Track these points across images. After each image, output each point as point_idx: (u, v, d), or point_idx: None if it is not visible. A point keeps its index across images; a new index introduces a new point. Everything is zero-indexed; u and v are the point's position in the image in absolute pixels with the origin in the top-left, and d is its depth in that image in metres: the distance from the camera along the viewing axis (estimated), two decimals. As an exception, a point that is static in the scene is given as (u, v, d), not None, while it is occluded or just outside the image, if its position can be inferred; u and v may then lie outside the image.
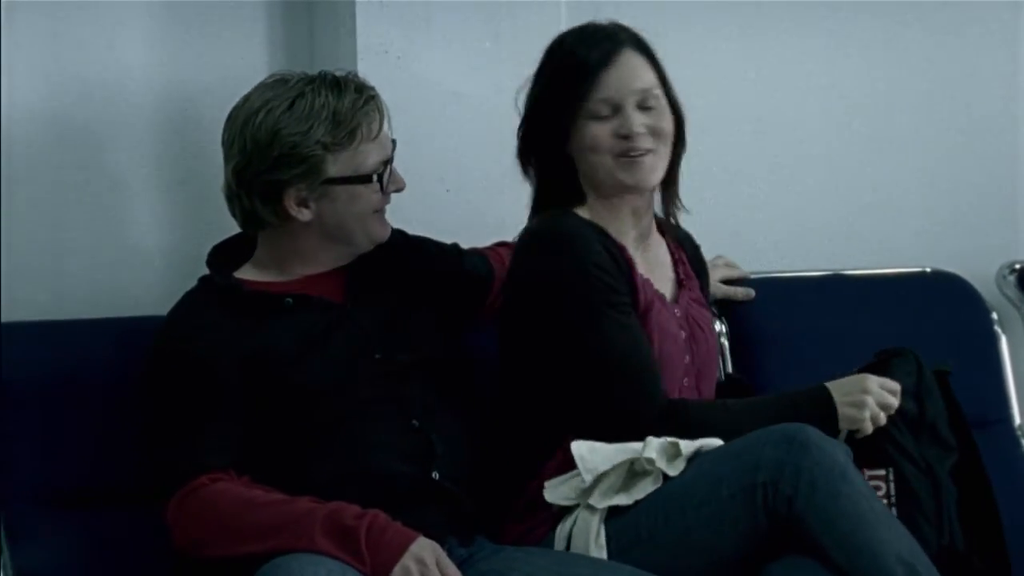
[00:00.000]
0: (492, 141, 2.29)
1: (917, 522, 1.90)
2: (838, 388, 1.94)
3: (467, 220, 2.26)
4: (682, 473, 1.85)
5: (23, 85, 2.11)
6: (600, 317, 1.92)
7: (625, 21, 2.01)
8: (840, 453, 1.81)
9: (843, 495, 1.77)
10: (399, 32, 2.23)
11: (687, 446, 1.86)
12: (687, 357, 2.02)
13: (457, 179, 2.28)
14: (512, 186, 2.30)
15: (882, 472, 1.92)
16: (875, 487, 1.90)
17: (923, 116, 2.56)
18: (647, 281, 1.98)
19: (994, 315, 2.45)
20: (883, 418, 1.93)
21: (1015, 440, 2.38)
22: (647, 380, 1.92)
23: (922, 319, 2.38)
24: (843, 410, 1.92)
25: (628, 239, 2.00)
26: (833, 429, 1.91)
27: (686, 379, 2.02)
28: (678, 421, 1.90)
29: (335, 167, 1.94)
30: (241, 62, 2.20)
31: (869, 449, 1.91)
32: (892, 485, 1.92)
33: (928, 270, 2.46)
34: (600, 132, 1.96)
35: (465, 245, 2.17)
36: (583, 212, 2.00)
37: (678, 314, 2.03)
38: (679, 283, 2.05)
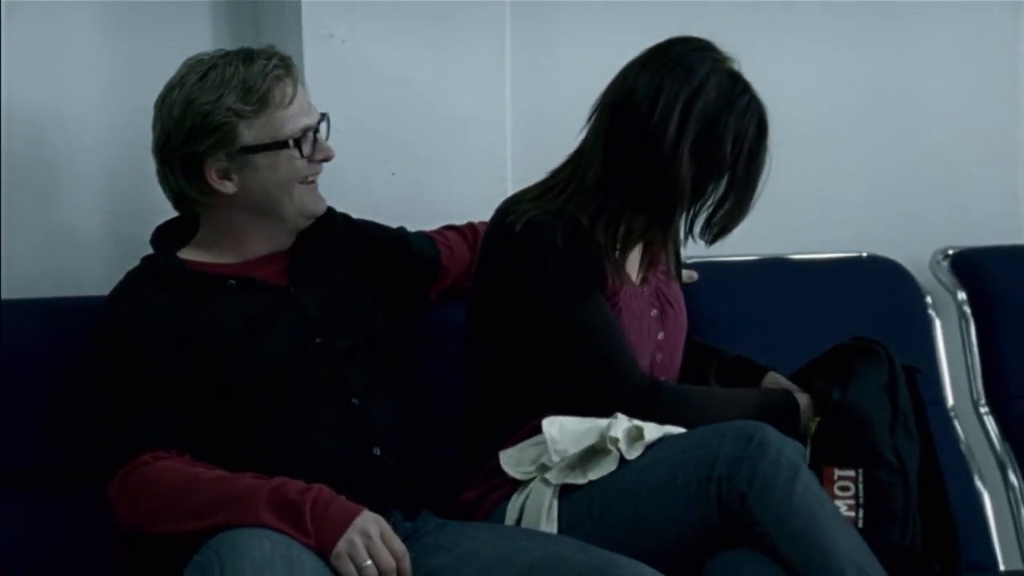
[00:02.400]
0: (438, 125, 2.30)
1: (884, 523, 1.92)
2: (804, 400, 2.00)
3: (413, 204, 2.27)
4: (640, 456, 1.87)
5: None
6: (574, 302, 1.94)
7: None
8: (796, 454, 1.84)
9: (796, 494, 1.80)
10: (344, 16, 2.23)
11: (651, 432, 1.88)
12: (660, 334, 2.04)
13: (402, 163, 2.29)
14: (458, 169, 2.32)
15: (851, 473, 1.93)
16: (844, 487, 1.92)
17: (860, 105, 2.60)
18: (616, 263, 2.00)
19: (928, 299, 2.49)
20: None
21: (949, 421, 2.42)
22: (623, 363, 1.94)
23: (859, 303, 2.42)
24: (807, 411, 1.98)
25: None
26: (796, 432, 1.95)
27: (659, 355, 2.04)
28: (655, 401, 1.93)
29: (250, 134, 1.94)
30: (187, 45, 2.20)
31: (840, 449, 1.94)
32: (861, 487, 1.93)
33: (864, 255, 2.50)
34: None
35: (411, 229, 2.18)
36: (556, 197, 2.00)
37: (646, 292, 2.05)
38: (649, 260, 2.07)
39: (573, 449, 1.89)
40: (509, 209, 2.00)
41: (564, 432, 1.90)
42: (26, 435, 2.01)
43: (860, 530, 1.88)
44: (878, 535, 1.89)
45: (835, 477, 1.93)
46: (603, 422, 1.90)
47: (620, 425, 1.89)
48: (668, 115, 1.92)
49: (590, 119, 1.99)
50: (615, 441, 1.88)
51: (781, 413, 1.97)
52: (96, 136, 2.21)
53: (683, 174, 1.92)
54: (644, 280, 2.06)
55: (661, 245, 2.02)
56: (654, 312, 2.05)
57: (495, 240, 2.01)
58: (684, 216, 1.99)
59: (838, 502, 1.91)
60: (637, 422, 1.89)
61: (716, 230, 2.00)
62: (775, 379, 2.09)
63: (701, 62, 1.94)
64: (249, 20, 2.28)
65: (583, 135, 2.00)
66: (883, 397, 1.98)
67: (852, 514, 1.92)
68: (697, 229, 2.00)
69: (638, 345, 2.00)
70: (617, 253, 1.98)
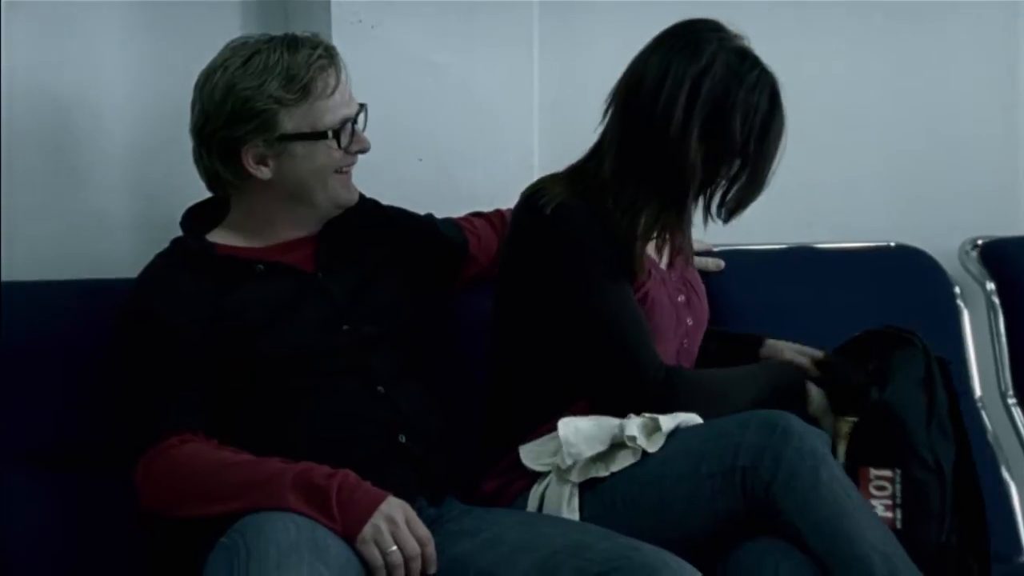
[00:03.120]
0: (465, 112, 2.30)
1: (922, 522, 1.91)
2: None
3: (440, 190, 2.27)
4: (662, 448, 1.87)
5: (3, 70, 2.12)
6: (599, 288, 1.93)
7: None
8: (819, 443, 1.83)
9: (822, 483, 1.80)
10: (373, 3, 2.23)
11: (666, 423, 1.88)
12: (689, 320, 2.04)
13: (430, 149, 2.29)
14: (485, 156, 2.32)
15: (888, 473, 1.92)
16: (880, 487, 1.91)
17: (889, 94, 2.59)
18: (645, 251, 1.99)
19: (957, 289, 2.48)
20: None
21: (976, 412, 2.41)
22: (644, 353, 1.93)
23: (887, 293, 2.41)
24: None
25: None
26: (803, 408, 1.96)
27: (685, 341, 2.04)
28: (672, 388, 1.93)
29: (290, 123, 1.94)
30: (216, 30, 2.21)
31: (877, 449, 1.93)
32: (899, 487, 1.92)
33: (893, 245, 2.49)
34: None
35: (438, 215, 2.18)
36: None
37: (674, 278, 2.05)
38: (671, 247, 2.06)
39: (588, 452, 1.88)
40: (539, 192, 1.99)
41: (579, 434, 1.90)
42: (55, 416, 2.02)
43: (898, 531, 1.87)
44: (917, 534, 1.88)
45: (871, 477, 1.92)
46: (617, 422, 1.90)
47: (634, 422, 1.88)
48: (675, 96, 1.91)
49: (607, 109, 1.99)
50: (632, 439, 1.88)
51: (785, 383, 1.98)
52: (125, 120, 2.22)
53: (693, 156, 1.91)
54: (671, 266, 2.05)
55: (679, 231, 2.00)
56: (681, 298, 2.05)
57: (523, 222, 2.00)
58: (700, 199, 1.97)
59: (874, 502, 1.90)
60: (650, 415, 1.89)
61: (731, 206, 1.98)
62: (773, 346, 2.09)
63: (708, 41, 1.93)
64: (278, 5, 2.29)
65: (603, 124, 2.00)
66: (919, 393, 1.97)
67: (890, 515, 1.91)
68: (713, 208, 1.98)
69: (666, 332, 2.00)
70: (640, 241, 1.97)
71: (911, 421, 1.95)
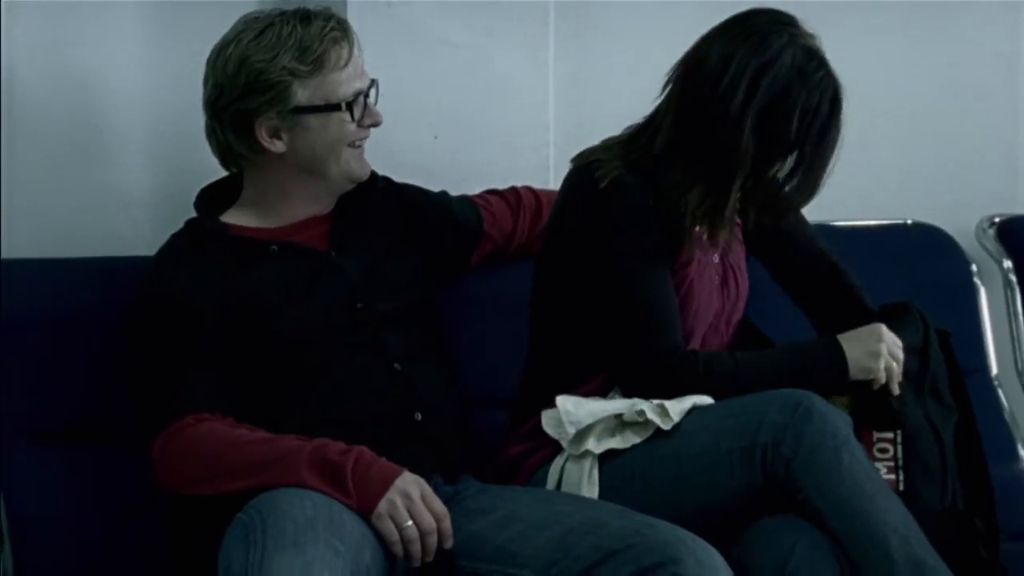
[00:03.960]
0: (481, 89, 2.30)
1: (923, 483, 1.92)
2: (852, 339, 1.94)
3: (455, 168, 2.27)
4: (682, 423, 1.87)
5: (23, 49, 2.13)
6: (641, 267, 1.93)
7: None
8: (842, 423, 1.83)
9: (843, 463, 1.80)
10: (390, -21, 2.25)
11: (676, 409, 1.88)
12: (720, 301, 2.03)
13: (445, 127, 2.29)
14: (500, 134, 2.32)
15: (890, 435, 1.93)
16: (883, 449, 1.92)
17: (907, 73, 2.57)
18: (690, 231, 1.97)
19: (974, 267, 2.47)
20: (895, 369, 1.94)
21: (992, 389, 2.41)
22: (663, 331, 1.92)
23: (903, 270, 2.40)
24: (859, 361, 1.93)
25: None
26: (843, 381, 1.93)
27: (714, 321, 2.03)
28: (688, 371, 1.92)
29: (304, 95, 1.95)
30: (233, 6, 2.21)
31: (877, 411, 1.93)
32: (900, 448, 1.93)
33: (910, 222, 2.48)
34: None
35: (453, 193, 2.18)
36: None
37: (715, 260, 2.03)
38: (713, 230, 2.02)
39: (588, 420, 1.88)
40: (594, 164, 1.97)
41: (579, 406, 1.90)
42: (75, 392, 2.04)
43: (901, 493, 1.88)
44: (919, 497, 1.88)
45: (874, 440, 1.92)
46: (625, 402, 1.90)
47: (644, 403, 1.88)
48: (736, 84, 1.89)
49: (665, 85, 1.97)
50: (642, 413, 1.88)
51: (827, 363, 1.93)
52: (143, 98, 2.23)
53: (744, 145, 1.89)
54: (714, 246, 2.03)
55: (717, 218, 1.98)
56: (716, 280, 2.04)
57: (576, 192, 1.99)
58: (748, 192, 1.94)
59: (878, 464, 1.91)
60: (658, 401, 1.88)
61: (781, 209, 1.96)
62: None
63: (778, 35, 1.90)
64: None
65: (659, 99, 1.98)
66: (912, 360, 1.97)
67: (892, 476, 1.92)
68: (763, 207, 1.97)
69: (703, 314, 1.99)
70: (688, 222, 1.95)
71: (903, 383, 1.95)
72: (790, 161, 1.93)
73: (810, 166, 1.93)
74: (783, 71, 1.89)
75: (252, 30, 1.96)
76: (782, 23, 1.93)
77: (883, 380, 1.94)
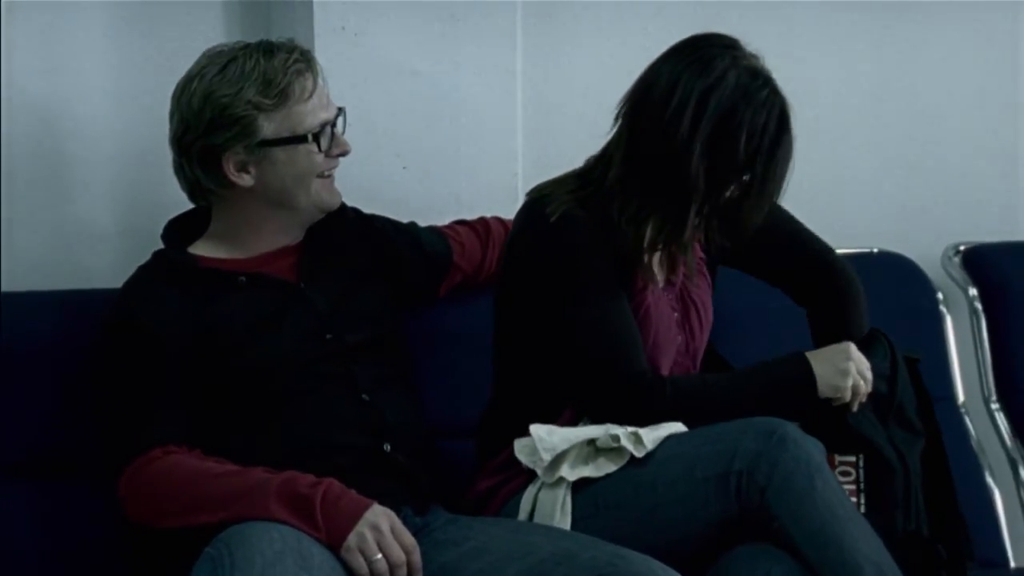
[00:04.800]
0: (449, 119, 2.30)
1: (886, 507, 1.92)
2: (821, 357, 1.95)
3: (424, 198, 2.27)
4: (657, 451, 1.87)
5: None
6: (596, 300, 1.93)
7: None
8: (816, 451, 1.84)
9: (816, 491, 1.80)
10: (357, 9, 2.23)
11: (649, 437, 1.88)
12: (680, 337, 2.03)
13: (414, 157, 2.29)
14: (469, 164, 2.32)
15: (852, 458, 1.94)
16: (845, 472, 1.93)
17: (872, 100, 2.60)
18: (643, 263, 1.98)
19: (939, 295, 2.49)
20: (863, 388, 1.95)
21: (959, 417, 2.42)
22: (629, 358, 1.93)
23: (870, 298, 2.39)
24: (828, 379, 1.93)
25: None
26: (812, 398, 1.93)
27: (679, 358, 2.03)
28: (657, 396, 1.92)
29: (270, 128, 1.95)
30: (200, 37, 2.20)
31: (840, 434, 1.93)
32: (862, 471, 1.94)
33: (875, 250, 2.50)
34: None
35: (422, 223, 2.18)
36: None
37: (669, 296, 2.04)
38: (670, 261, 2.04)
39: (562, 446, 1.88)
40: (546, 198, 1.98)
41: (552, 433, 1.90)
42: (37, 427, 2.02)
43: (862, 515, 1.88)
44: (880, 520, 1.88)
45: (836, 463, 1.93)
46: (597, 428, 1.89)
47: (618, 430, 1.88)
48: (683, 109, 1.90)
49: (617, 115, 1.98)
50: (616, 439, 1.88)
51: (796, 383, 1.94)
52: (109, 129, 2.22)
53: (695, 170, 1.90)
54: (668, 282, 2.04)
55: (677, 245, 1.99)
56: (676, 315, 2.05)
57: (527, 228, 2.00)
58: (704, 216, 1.95)
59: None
60: (632, 428, 1.89)
61: (739, 230, 1.97)
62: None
63: (721, 58, 1.92)
64: (262, 11, 2.29)
65: (612, 131, 1.98)
66: (880, 382, 1.97)
67: (854, 499, 1.92)
68: (721, 228, 1.97)
69: (663, 346, 2.00)
70: (644, 254, 1.96)
71: (868, 407, 1.96)
72: (744, 181, 1.94)
73: (763, 184, 1.94)
74: (727, 92, 1.90)
75: (216, 64, 1.96)
76: (725, 46, 1.94)
77: (848, 399, 1.94)
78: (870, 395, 1.97)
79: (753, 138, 1.91)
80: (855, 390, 1.94)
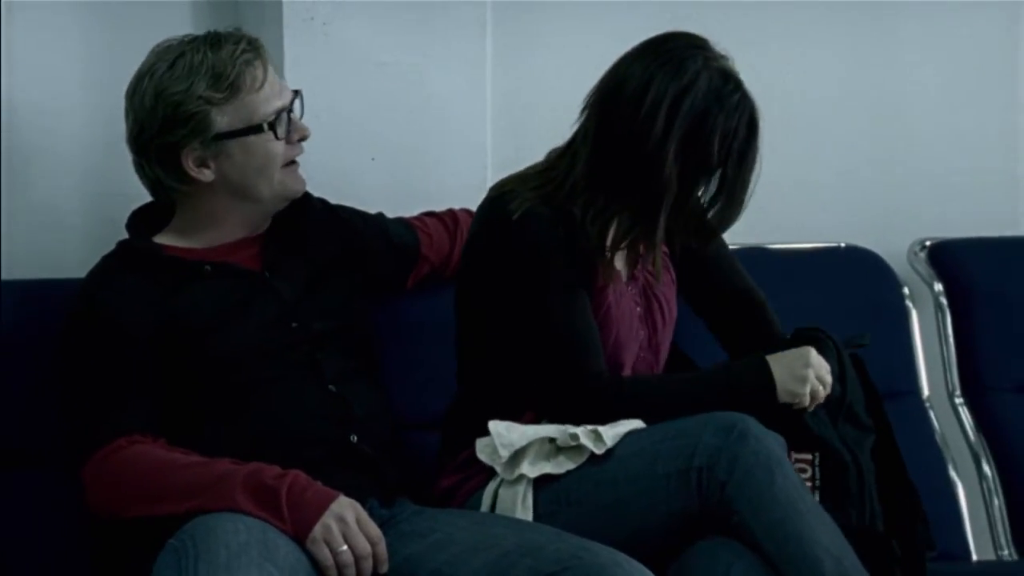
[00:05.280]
0: (418, 111, 2.30)
1: (841, 504, 1.93)
2: (780, 362, 1.96)
3: (392, 190, 2.26)
4: (618, 447, 1.87)
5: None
6: (557, 299, 1.93)
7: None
8: (776, 446, 1.84)
9: (776, 485, 1.81)
10: (325, 0, 2.23)
11: (609, 434, 1.88)
12: (643, 332, 2.03)
13: (382, 148, 2.28)
14: (437, 156, 2.32)
15: (808, 456, 1.95)
16: (801, 469, 1.93)
17: (840, 96, 2.60)
18: (606, 260, 1.97)
19: (905, 290, 2.50)
20: (822, 394, 1.96)
21: (924, 412, 2.43)
22: (587, 363, 1.93)
23: (836, 293, 2.43)
24: (785, 384, 1.94)
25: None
26: (771, 403, 1.94)
27: (642, 353, 2.03)
28: (614, 396, 1.93)
29: (223, 121, 1.94)
30: (165, 24, 2.19)
31: (796, 432, 1.94)
32: (818, 469, 1.95)
33: (842, 245, 2.51)
34: None
35: (390, 215, 2.17)
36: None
37: (632, 291, 2.04)
38: (635, 258, 2.04)
39: (520, 443, 1.88)
40: (507, 195, 1.97)
41: (511, 429, 1.90)
42: (2, 417, 2.00)
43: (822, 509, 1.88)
44: (836, 516, 1.89)
45: (793, 460, 1.93)
46: (556, 427, 1.90)
47: (578, 429, 1.88)
48: (655, 112, 1.90)
49: (583, 110, 1.98)
50: (575, 437, 1.88)
51: (755, 385, 1.94)
52: (75, 119, 2.21)
53: (668, 172, 1.90)
54: (632, 277, 2.04)
55: (647, 244, 1.99)
56: (638, 311, 2.05)
57: (488, 224, 1.99)
58: (674, 216, 1.95)
59: None
60: (592, 427, 1.89)
61: (708, 231, 1.98)
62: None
63: (693, 59, 1.92)
64: (230, 5, 2.27)
65: (576, 125, 1.98)
66: (835, 386, 1.98)
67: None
68: (688, 230, 1.97)
69: (625, 343, 2.00)
70: (608, 252, 1.96)
71: (821, 407, 1.97)
72: (713, 183, 1.95)
73: (732, 187, 1.95)
74: (700, 95, 1.90)
75: (164, 61, 1.95)
76: (696, 46, 1.94)
77: (807, 404, 1.95)
78: (827, 395, 1.98)
79: (725, 142, 1.91)
80: (813, 395, 1.95)
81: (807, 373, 1.94)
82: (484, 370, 2.00)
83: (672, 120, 1.89)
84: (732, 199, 1.95)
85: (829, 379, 1.97)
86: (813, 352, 1.97)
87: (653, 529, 1.86)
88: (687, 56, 1.92)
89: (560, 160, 2.00)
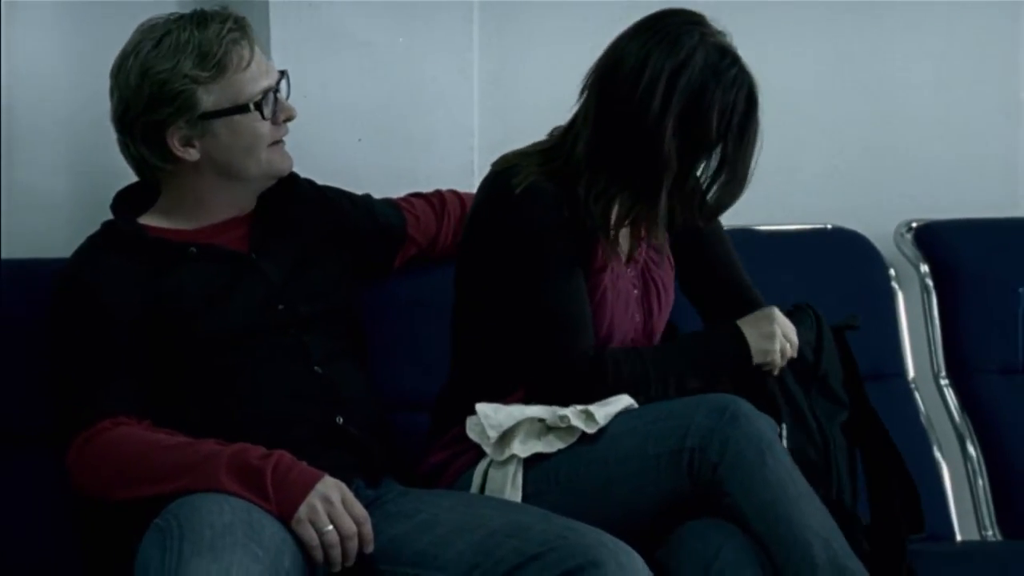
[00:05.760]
0: (405, 92, 2.29)
1: (808, 477, 1.91)
2: (748, 323, 1.98)
3: (379, 171, 2.26)
4: (609, 427, 1.87)
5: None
6: (554, 276, 1.93)
7: None
8: (767, 428, 1.85)
9: (767, 467, 1.81)
10: (313, -20, 2.23)
11: (600, 413, 1.88)
12: (638, 316, 2.03)
13: (369, 129, 2.28)
14: (424, 137, 2.32)
15: (778, 429, 1.94)
16: None
17: (827, 78, 2.60)
18: (608, 239, 1.97)
19: (892, 272, 2.50)
20: (789, 351, 1.97)
21: (909, 393, 2.44)
22: (574, 339, 1.93)
23: (823, 274, 2.43)
24: (756, 344, 1.96)
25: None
26: (747, 365, 1.95)
27: (636, 337, 2.03)
28: (595, 373, 1.92)
29: (209, 100, 1.93)
30: (154, 8, 2.18)
31: (763, 404, 1.94)
32: (786, 441, 1.95)
33: (829, 227, 2.51)
34: None
35: (377, 196, 2.17)
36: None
37: (631, 273, 2.04)
38: (637, 238, 2.04)
39: (508, 423, 1.89)
40: (511, 170, 1.96)
41: (499, 411, 1.90)
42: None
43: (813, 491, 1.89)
44: None
45: None
46: (545, 408, 1.90)
47: (568, 410, 1.89)
48: (653, 88, 1.89)
49: (583, 89, 1.97)
50: (565, 419, 1.88)
51: (731, 349, 1.96)
52: (60, 97, 2.20)
53: (667, 149, 1.90)
54: (631, 258, 2.04)
55: (649, 223, 1.99)
56: (635, 292, 2.05)
57: (490, 200, 1.98)
58: (675, 194, 1.95)
59: None
60: (583, 406, 1.89)
61: (711, 208, 1.97)
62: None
63: (689, 35, 1.91)
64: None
65: (576, 106, 1.97)
66: (805, 349, 1.99)
67: None
68: (690, 208, 1.97)
69: (618, 327, 2.00)
70: (611, 231, 1.96)
71: (789, 375, 1.98)
72: (714, 160, 1.94)
73: (733, 163, 1.94)
74: (697, 71, 1.90)
75: (150, 40, 1.94)
76: (692, 23, 1.94)
77: (779, 363, 1.96)
78: (793, 362, 1.99)
79: (724, 117, 1.91)
80: (782, 353, 1.97)
81: (774, 329, 1.96)
82: (478, 348, 2.00)
83: (669, 96, 1.89)
84: (734, 175, 1.95)
85: (795, 339, 1.98)
86: (776, 311, 1.99)
87: (643, 509, 1.86)
88: (683, 32, 1.92)
89: (563, 138, 1.99)
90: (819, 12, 2.59)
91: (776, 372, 1.98)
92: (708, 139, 1.92)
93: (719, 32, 1.95)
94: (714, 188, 1.96)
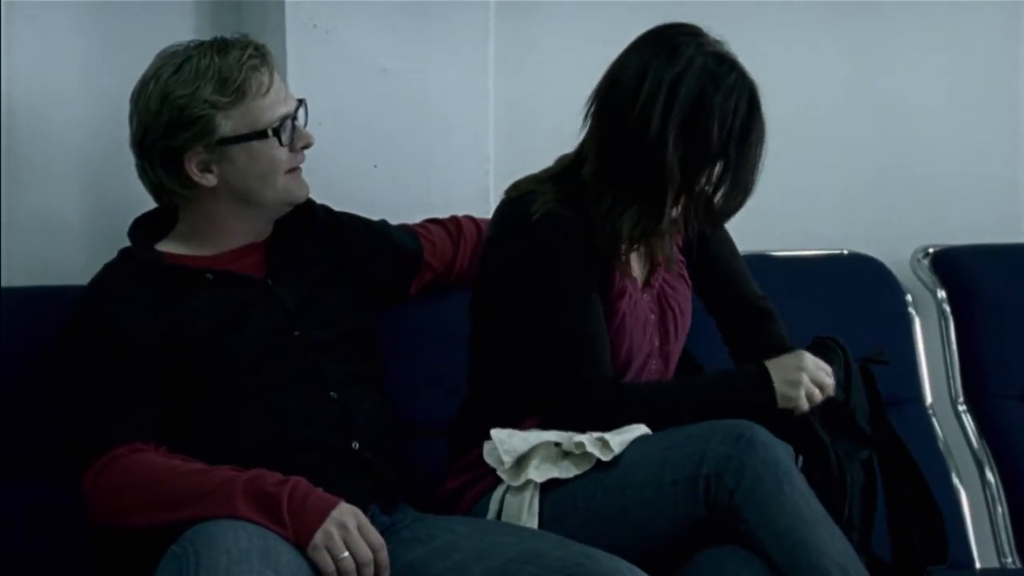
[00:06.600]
0: (421, 117, 2.30)
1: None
2: (776, 366, 1.96)
3: (395, 196, 2.26)
4: (625, 453, 1.86)
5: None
6: (571, 303, 1.93)
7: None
8: (784, 454, 1.84)
9: (784, 494, 1.80)
10: (328, 7, 2.23)
11: (615, 441, 1.88)
12: (656, 340, 2.03)
13: (385, 155, 2.28)
14: (440, 162, 2.32)
15: (792, 455, 1.92)
16: None
17: (843, 102, 2.60)
18: (622, 263, 1.97)
19: (908, 297, 2.50)
20: (818, 396, 1.95)
21: (927, 419, 2.43)
22: (591, 367, 1.93)
23: (839, 300, 2.43)
24: (782, 390, 1.94)
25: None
26: (771, 409, 1.94)
27: (653, 362, 2.03)
28: (613, 403, 1.92)
29: (228, 125, 1.94)
30: (169, 33, 2.19)
31: (787, 437, 1.92)
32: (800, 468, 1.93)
33: (845, 252, 2.51)
34: None
35: (393, 221, 2.17)
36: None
37: (647, 298, 2.03)
38: (651, 260, 2.04)
39: (523, 447, 1.88)
40: (527, 196, 1.97)
41: (514, 436, 1.90)
42: (2, 424, 1.99)
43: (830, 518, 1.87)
44: None
45: None
46: (561, 433, 1.90)
47: (583, 436, 1.88)
48: (653, 99, 1.90)
49: (587, 111, 1.98)
50: (581, 446, 1.88)
51: (754, 391, 1.94)
52: (76, 122, 2.20)
53: (670, 159, 1.89)
54: (648, 284, 2.04)
55: (658, 240, 1.99)
56: (652, 317, 2.04)
57: (506, 227, 1.99)
58: (682, 206, 1.94)
59: None
60: (598, 434, 1.88)
61: (717, 213, 1.96)
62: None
63: (686, 45, 1.92)
64: (232, 8, 2.28)
65: (583, 128, 1.98)
66: (837, 389, 1.97)
67: None
68: (696, 216, 1.96)
69: (635, 352, 1.99)
70: (623, 254, 1.96)
71: (817, 415, 1.96)
72: (718, 168, 1.94)
73: (737, 169, 1.94)
74: (695, 79, 1.90)
75: (170, 65, 1.95)
76: (689, 34, 1.95)
77: (804, 408, 1.95)
78: (826, 402, 1.97)
79: (725, 123, 1.90)
80: (810, 398, 1.95)
81: (800, 376, 1.94)
82: (494, 373, 2.00)
83: (670, 107, 1.89)
84: (738, 181, 1.94)
85: (828, 381, 1.97)
86: (807, 355, 1.97)
87: (660, 536, 1.85)
88: (681, 43, 1.92)
89: (574, 163, 1.99)
90: (834, 38, 2.60)
91: (798, 414, 1.96)
92: (711, 147, 1.91)
93: (716, 41, 1.95)
94: (719, 194, 1.95)
